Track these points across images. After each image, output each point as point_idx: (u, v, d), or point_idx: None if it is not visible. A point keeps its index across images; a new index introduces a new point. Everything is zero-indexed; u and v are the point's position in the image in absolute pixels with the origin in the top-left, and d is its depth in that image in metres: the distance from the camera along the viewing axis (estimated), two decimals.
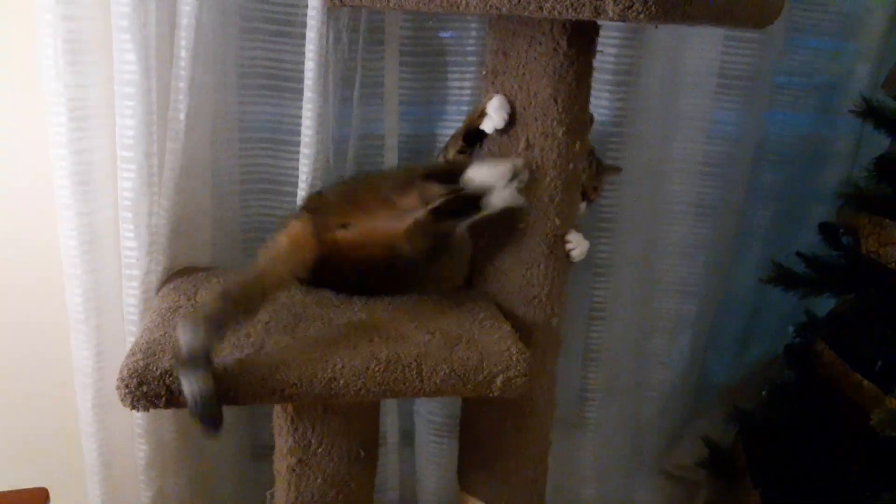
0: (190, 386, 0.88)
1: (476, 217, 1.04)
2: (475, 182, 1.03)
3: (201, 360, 0.89)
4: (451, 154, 1.19)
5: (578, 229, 1.15)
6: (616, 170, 1.36)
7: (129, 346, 1.22)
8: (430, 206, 1.02)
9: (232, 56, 1.26)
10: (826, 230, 1.51)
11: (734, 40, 1.46)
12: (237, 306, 0.96)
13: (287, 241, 1.08)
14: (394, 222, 1.06)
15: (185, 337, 0.89)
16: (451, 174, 1.06)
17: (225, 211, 1.33)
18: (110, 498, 1.35)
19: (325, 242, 1.08)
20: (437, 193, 1.04)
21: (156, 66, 1.13)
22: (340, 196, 1.15)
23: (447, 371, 0.98)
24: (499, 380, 0.99)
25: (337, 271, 1.10)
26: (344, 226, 1.09)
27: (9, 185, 1.29)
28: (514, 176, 1.03)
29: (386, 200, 1.09)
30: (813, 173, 1.67)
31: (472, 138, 1.15)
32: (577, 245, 1.14)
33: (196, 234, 1.27)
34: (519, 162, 1.05)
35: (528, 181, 1.05)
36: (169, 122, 1.16)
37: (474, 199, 1.02)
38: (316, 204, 1.17)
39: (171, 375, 0.90)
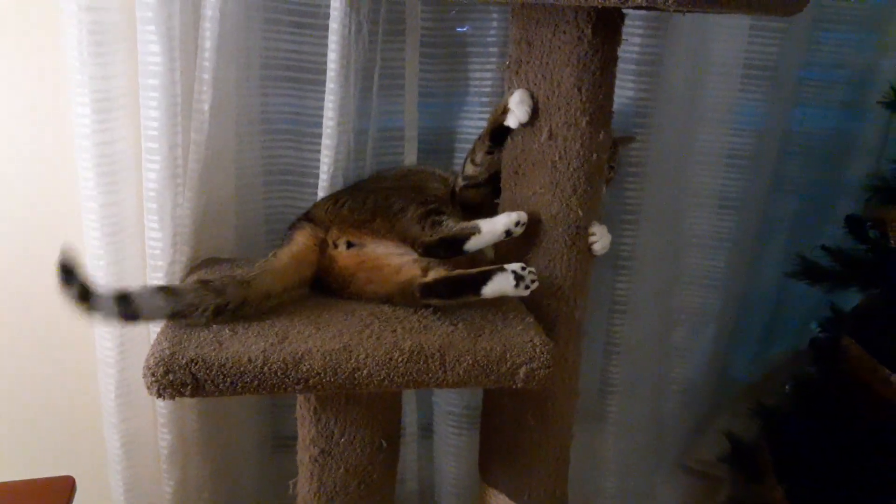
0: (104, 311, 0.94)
1: (470, 300, 1.02)
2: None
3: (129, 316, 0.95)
4: (479, 157, 1.17)
5: (602, 221, 1.14)
6: (629, 139, 1.34)
7: (152, 337, 1.23)
8: (420, 282, 1.03)
9: (255, 48, 1.26)
10: (853, 223, 1.49)
11: (760, 31, 1.44)
12: (210, 298, 0.98)
13: (289, 259, 1.09)
14: (398, 259, 1.07)
15: (142, 296, 0.95)
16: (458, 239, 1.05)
17: (248, 202, 1.34)
18: (133, 487, 1.36)
19: (325, 256, 1.11)
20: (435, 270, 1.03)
21: (180, 57, 1.13)
22: (355, 212, 1.14)
23: (470, 362, 0.98)
24: (522, 371, 0.99)
25: (330, 284, 1.12)
26: (349, 244, 1.10)
27: (32, 176, 1.30)
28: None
29: (396, 230, 1.09)
30: (838, 167, 1.65)
31: (498, 136, 1.14)
32: (600, 238, 1.13)
33: (220, 225, 1.28)
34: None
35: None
36: (193, 113, 1.16)
37: (473, 283, 1.00)
38: (326, 215, 1.16)
39: (197, 364, 0.91)
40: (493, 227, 1.04)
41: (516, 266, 0.99)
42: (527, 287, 0.99)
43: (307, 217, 1.19)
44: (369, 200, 1.14)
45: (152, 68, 1.12)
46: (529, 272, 0.99)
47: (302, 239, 1.12)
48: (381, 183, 1.23)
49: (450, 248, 1.05)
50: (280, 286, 1.06)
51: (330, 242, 1.12)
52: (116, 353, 1.27)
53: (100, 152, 1.16)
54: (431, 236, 1.05)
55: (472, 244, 1.04)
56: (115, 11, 1.12)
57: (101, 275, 1.21)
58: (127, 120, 1.18)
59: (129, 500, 1.36)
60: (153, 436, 1.35)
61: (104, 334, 1.26)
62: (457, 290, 1.02)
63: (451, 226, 1.06)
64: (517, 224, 1.04)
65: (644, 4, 0.85)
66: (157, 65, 1.12)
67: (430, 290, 1.02)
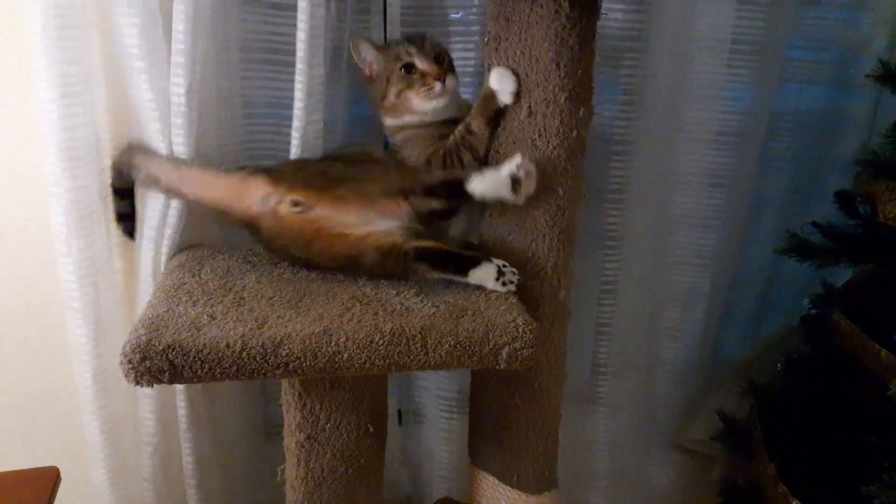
0: None
1: (454, 279, 1.04)
2: (478, 195, 1.04)
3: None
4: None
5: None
6: None
7: (127, 320, 1.22)
8: (416, 245, 1.03)
9: (233, 30, 1.24)
10: (842, 198, 1.48)
11: (747, 4, 1.41)
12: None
13: (219, 199, 1.13)
14: (364, 226, 1.06)
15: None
16: (451, 186, 1.05)
17: None
18: (117, 476, 1.34)
19: (268, 211, 1.08)
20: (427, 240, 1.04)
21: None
22: (318, 177, 1.11)
23: (452, 343, 0.97)
24: (505, 351, 0.98)
25: (274, 240, 1.12)
26: (296, 204, 1.08)
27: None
28: (518, 181, 1.02)
29: (365, 197, 1.08)
30: (828, 144, 1.63)
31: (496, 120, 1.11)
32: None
33: (201, 211, 1.26)
34: (516, 163, 1.02)
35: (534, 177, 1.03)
36: (171, 97, 1.14)
37: (463, 263, 1.03)
38: (289, 174, 1.13)
39: (174, 350, 0.90)
40: (497, 175, 1.03)
41: (501, 262, 1.05)
42: (504, 284, 1.04)
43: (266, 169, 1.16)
44: (341, 164, 1.14)
45: (128, 51, 1.10)
46: (511, 272, 1.04)
47: (242, 183, 1.12)
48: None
49: (451, 192, 1.06)
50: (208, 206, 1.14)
51: (278, 198, 1.09)
52: (91, 339, 1.23)
53: (66, 136, 1.12)
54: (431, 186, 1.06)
55: (475, 185, 1.04)
56: None
57: (70, 261, 1.18)
58: (96, 105, 1.15)
59: (114, 489, 1.34)
60: (136, 423, 1.33)
61: (76, 321, 1.22)
62: (447, 264, 1.05)
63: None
64: (517, 168, 1.03)
65: None
66: (132, 47, 1.09)
67: (423, 254, 1.03)
